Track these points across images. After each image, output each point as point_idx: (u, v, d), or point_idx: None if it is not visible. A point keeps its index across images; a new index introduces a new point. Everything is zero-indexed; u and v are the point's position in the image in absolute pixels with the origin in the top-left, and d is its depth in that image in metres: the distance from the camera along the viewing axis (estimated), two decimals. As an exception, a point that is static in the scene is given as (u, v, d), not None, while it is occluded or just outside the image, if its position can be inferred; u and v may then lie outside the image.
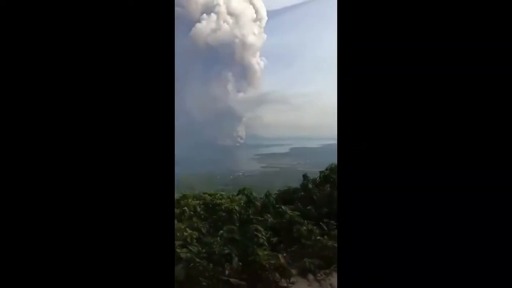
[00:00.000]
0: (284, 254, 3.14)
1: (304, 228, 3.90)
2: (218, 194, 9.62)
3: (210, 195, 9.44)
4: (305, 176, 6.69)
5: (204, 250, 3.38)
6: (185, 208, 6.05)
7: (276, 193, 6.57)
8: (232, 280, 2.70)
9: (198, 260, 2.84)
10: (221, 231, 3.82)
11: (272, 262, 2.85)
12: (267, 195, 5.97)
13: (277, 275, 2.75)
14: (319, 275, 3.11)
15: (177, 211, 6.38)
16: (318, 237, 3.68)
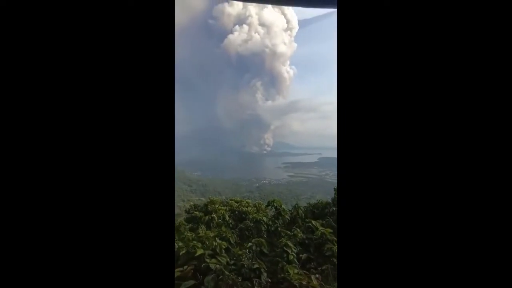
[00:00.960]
0: (317, 276, 2.95)
1: (337, 247, 3.65)
2: (245, 202, 9.65)
3: (236, 201, 9.53)
4: (336, 190, 6.36)
5: (232, 262, 3.34)
6: (214, 215, 6.13)
7: (305, 206, 6.35)
8: (261, 298, 2.60)
9: (227, 273, 2.80)
10: (249, 243, 3.75)
11: (304, 283, 2.69)
12: (296, 208, 5.79)
13: (309, 298, 2.59)
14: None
15: (206, 217, 6.50)
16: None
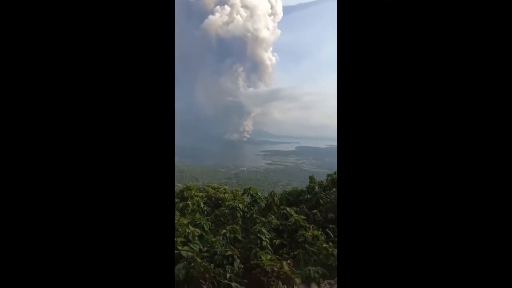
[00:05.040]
0: (289, 261, 3.02)
1: (310, 233, 3.77)
2: (222, 188, 9.59)
3: (213, 188, 9.44)
4: (312, 178, 6.52)
5: (205, 249, 3.30)
6: (189, 202, 6.02)
7: (281, 194, 6.46)
8: (233, 284, 2.61)
9: (199, 260, 2.76)
10: (224, 230, 3.73)
11: (276, 268, 2.74)
12: (272, 195, 5.87)
13: (280, 283, 2.64)
14: (323, 285, 2.99)
15: (180, 204, 6.37)
16: (324, 245, 3.54)
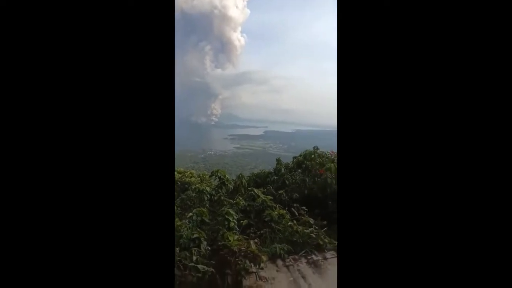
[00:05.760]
0: (256, 240, 3.08)
1: (276, 213, 3.88)
2: (188, 172, 9.31)
3: (179, 172, 9.11)
4: (278, 161, 6.68)
5: (170, 233, 3.18)
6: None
7: (248, 176, 6.51)
8: (199, 266, 2.57)
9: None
10: (190, 214, 3.62)
11: (243, 248, 2.77)
12: (240, 177, 5.88)
13: (247, 262, 2.69)
14: (288, 260, 3.14)
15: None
16: (289, 223, 3.69)
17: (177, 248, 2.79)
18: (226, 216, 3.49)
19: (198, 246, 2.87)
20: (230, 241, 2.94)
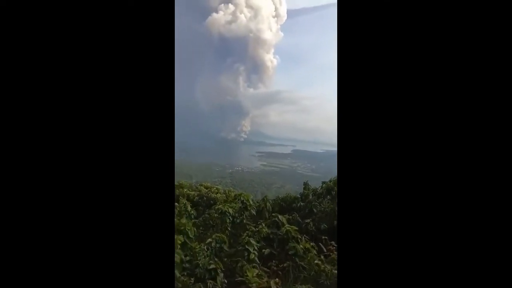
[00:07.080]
0: (277, 280, 2.76)
1: (301, 246, 3.53)
2: (214, 188, 9.31)
3: (206, 187, 9.15)
4: (306, 185, 6.31)
5: (187, 259, 3.03)
6: (176, 203, 5.74)
7: (273, 199, 6.23)
8: (213, 304, 2.35)
9: (178, 275, 2.48)
10: (209, 240, 3.46)
11: (263, 287, 2.49)
12: (264, 200, 5.64)
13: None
14: (312, 307, 2.74)
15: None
16: (316, 261, 3.30)
17: (192, 279, 2.61)
18: (247, 247, 3.25)
19: (214, 279, 2.66)
20: (249, 276, 2.67)
